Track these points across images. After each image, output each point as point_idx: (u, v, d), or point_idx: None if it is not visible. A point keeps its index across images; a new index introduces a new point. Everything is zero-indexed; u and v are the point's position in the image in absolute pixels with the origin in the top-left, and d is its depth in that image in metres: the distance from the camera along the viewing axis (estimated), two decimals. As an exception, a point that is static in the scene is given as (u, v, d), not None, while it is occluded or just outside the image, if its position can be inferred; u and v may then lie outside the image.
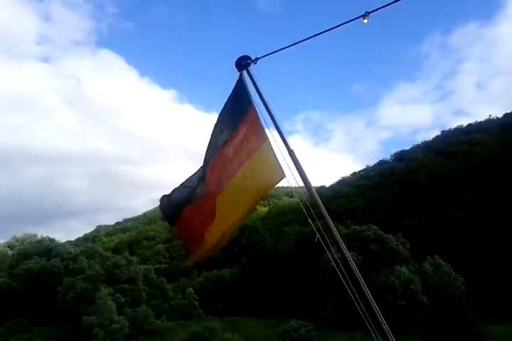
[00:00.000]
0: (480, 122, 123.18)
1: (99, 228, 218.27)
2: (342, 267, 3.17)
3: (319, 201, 3.29)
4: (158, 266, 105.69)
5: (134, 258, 52.62)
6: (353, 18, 3.36)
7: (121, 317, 41.58)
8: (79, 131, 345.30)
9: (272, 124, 3.54)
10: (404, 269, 34.71)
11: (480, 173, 75.23)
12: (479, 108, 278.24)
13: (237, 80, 3.81)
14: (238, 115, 3.73)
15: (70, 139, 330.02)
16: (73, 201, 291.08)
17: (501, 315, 35.82)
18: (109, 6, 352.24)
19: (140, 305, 44.13)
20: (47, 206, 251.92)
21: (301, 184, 3.34)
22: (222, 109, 3.92)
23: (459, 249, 48.96)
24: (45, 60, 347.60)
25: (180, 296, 53.78)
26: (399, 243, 41.17)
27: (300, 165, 3.37)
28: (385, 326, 2.83)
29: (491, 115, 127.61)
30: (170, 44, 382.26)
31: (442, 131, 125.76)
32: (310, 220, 3.36)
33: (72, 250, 68.63)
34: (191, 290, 53.48)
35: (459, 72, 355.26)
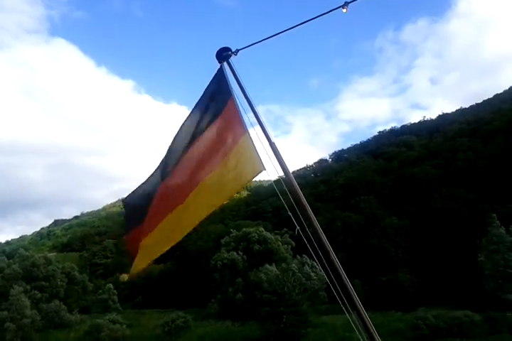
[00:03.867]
0: (413, 123, 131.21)
1: (56, 222, 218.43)
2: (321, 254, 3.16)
3: (302, 195, 3.24)
4: (104, 261, 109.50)
5: (53, 257, 56.77)
6: (331, 8, 3.32)
7: (33, 312, 45.98)
8: (36, 121, 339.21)
9: (254, 117, 3.48)
10: (273, 267, 40.36)
11: (394, 175, 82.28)
12: (435, 102, 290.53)
13: (217, 72, 3.75)
14: (217, 108, 3.67)
15: (27, 129, 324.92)
16: (33, 193, 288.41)
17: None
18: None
19: (53, 301, 48.51)
20: (5, 198, 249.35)
21: (283, 177, 3.34)
22: (199, 102, 3.85)
23: (342, 247, 55.45)
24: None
25: (101, 291, 58.27)
26: (281, 243, 47.03)
27: (282, 158, 3.32)
28: (362, 310, 2.87)
29: (424, 116, 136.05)
30: (126, 34, 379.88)
31: (379, 132, 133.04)
32: (290, 213, 3.29)
33: (6, 248, 71.98)
34: (111, 285, 58.13)
35: (414, 67, 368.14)
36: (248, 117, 3.49)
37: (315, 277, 42.21)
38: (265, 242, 45.25)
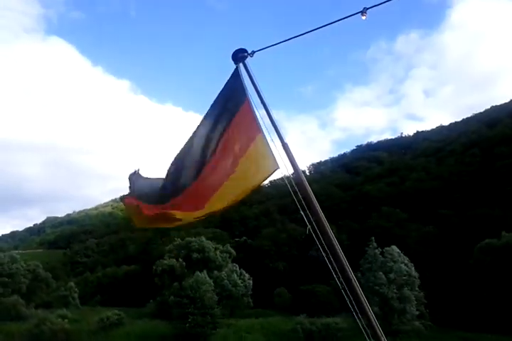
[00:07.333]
0: (390, 139, 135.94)
1: (48, 219, 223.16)
2: (330, 254, 3.22)
3: (312, 194, 3.33)
4: (85, 259, 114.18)
5: (18, 256, 61.82)
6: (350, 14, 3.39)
7: (-9, 306, 51.16)
8: (32, 119, 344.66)
9: (267, 117, 3.54)
10: (204, 274, 45.16)
11: (355, 190, 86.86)
12: (429, 113, 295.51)
13: (232, 73, 3.81)
14: (232, 109, 3.73)
15: (23, 126, 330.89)
16: (30, 189, 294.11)
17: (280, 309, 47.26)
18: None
19: (12, 296, 53.61)
20: (1, 193, 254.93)
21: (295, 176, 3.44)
22: (215, 103, 3.89)
23: (285, 258, 60.54)
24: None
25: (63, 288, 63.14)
26: (220, 252, 51.91)
27: (293, 158, 3.38)
28: (369, 309, 2.95)
29: (402, 133, 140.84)
30: (122, 35, 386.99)
31: (357, 146, 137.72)
32: (302, 212, 3.36)
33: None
34: (72, 283, 63.05)
35: (409, 77, 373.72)
36: (262, 118, 3.53)
37: (241, 284, 47.14)
38: (203, 251, 50.15)
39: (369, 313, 3.00)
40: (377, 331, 3.00)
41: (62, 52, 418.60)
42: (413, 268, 34.01)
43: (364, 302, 3.05)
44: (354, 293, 3.09)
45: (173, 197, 3.89)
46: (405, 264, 33.84)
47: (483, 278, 34.80)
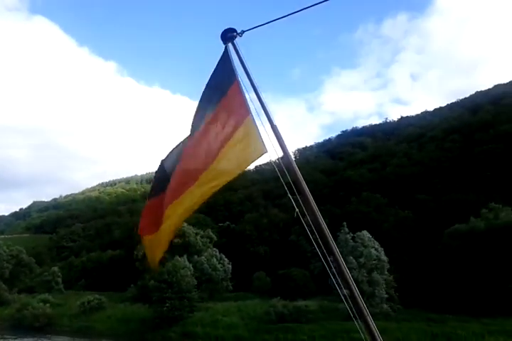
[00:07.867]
0: (375, 124, 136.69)
1: (34, 203, 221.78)
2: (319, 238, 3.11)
3: (301, 177, 3.29)
4: (71, 244, 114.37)
5: (1, 242, 62.04)
6: None
7: (-26, 290, 51.62)
8: (17, 101, 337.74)
9: (256, 99, 3.50)
10: (183, 259, 46.02)
11: (338, 176, 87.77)
12: (416, 98, 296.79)
13: (222, 54, 3.73)
14: (221, 90, 3.64)
15: (8, 109, 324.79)
16: (16, 172, 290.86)
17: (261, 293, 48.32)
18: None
19: (-4, 281, 54.13)
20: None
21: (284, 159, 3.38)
22: (207, 86, 3.83)
23: (267, 242, 61.56)
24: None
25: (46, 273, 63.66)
26: (200, 237, 52.75)
27: (283, 141, 3.33)
28: (357, 293, 2.94)
29: (386, 118, 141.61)
30: (108, 15, 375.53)
31: (342, 131, 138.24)
32: (290, 195, 3.31)
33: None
34: (55, 268, 63.58)
35: (396, 61, 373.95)
36: (251, 99, 3.47)
37: (221, 268, 48.16)
38: (184, 236, 50.89)
39: (357, 297, 2.98)
40: (364, 312, 2.96)
41: (47, 31, 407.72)
42: (383, 252, 35.10)
43: (352, 285, 3.05)
44: (343, 276, 3.09)
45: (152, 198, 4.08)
46: (375, 249, 34.87)
47: (451, 262, 35.97)
